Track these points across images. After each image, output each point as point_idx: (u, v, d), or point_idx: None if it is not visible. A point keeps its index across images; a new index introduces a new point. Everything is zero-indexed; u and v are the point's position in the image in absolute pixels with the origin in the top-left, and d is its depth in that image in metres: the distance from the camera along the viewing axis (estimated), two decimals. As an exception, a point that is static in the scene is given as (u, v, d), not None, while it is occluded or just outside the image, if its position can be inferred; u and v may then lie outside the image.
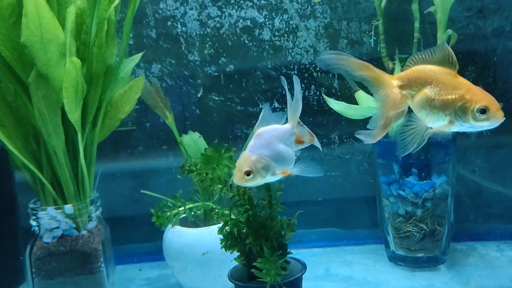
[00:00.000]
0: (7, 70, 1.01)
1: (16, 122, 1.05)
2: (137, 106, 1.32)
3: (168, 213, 1.08)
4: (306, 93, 1.38)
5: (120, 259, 1.27)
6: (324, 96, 1.20)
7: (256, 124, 0.84)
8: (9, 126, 1.03)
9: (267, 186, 0.89)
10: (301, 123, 0.85)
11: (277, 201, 0.90)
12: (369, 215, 1.40)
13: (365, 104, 1.21)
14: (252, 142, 0.82)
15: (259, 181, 0.80)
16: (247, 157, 0.80)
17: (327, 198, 1.40)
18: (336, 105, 1.17)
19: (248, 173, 0.79)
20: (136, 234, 1.36)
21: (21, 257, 1.12)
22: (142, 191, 1.19)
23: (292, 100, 0.83)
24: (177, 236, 1.14)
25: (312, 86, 1.38)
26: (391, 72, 1.25)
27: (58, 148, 1.04)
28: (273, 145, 0.82)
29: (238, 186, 0.88)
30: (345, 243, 1.40)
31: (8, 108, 1.04)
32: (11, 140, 1.03)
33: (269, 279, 0.82)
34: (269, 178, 0.82)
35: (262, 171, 0.80)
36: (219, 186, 0.90)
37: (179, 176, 0.94)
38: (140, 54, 1.18)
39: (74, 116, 0.99)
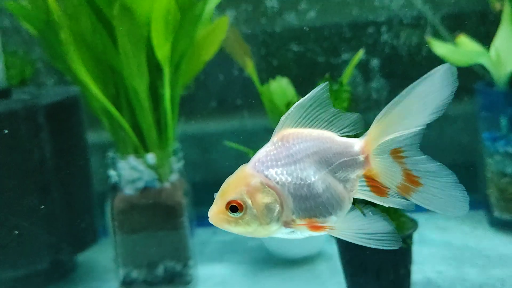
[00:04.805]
0: (86, 4, 0.93)
1: (95, 63, 0.97)
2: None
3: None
4: (395, 43, 1.28)
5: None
6: (428, 39, 1.11)
7: (289, 112, 0.48)
8: (89, 66, 0.95)
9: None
10: (399, 149, 0.47)
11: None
12: (464, 179, 1.28)
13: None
14: (264, 150, 0.49)
15: (251, 229, 0.47)
16: (242, 176, 0.47)
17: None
18: (441, 48, 1.12)
19: (233, 208, 0.47)
20: (209, 196, 1.27)
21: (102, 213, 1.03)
22: (226, 142, 1.10)
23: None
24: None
25: (401, 33, 1.28)
26: (498, 14, 1.13)
27: (140, 90, 0.96)
28: (303, 166, 0.48)
29: None
30: (436, 208, 1.30)
31: (87, 48, 0.96)
32: (91, 80, 0.95)
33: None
34: (275, 230, 0.48)
35: (264, 210, 0.47)
36: None
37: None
38: (222, -8, 1.09)
39: (162, 51, 0.90)
